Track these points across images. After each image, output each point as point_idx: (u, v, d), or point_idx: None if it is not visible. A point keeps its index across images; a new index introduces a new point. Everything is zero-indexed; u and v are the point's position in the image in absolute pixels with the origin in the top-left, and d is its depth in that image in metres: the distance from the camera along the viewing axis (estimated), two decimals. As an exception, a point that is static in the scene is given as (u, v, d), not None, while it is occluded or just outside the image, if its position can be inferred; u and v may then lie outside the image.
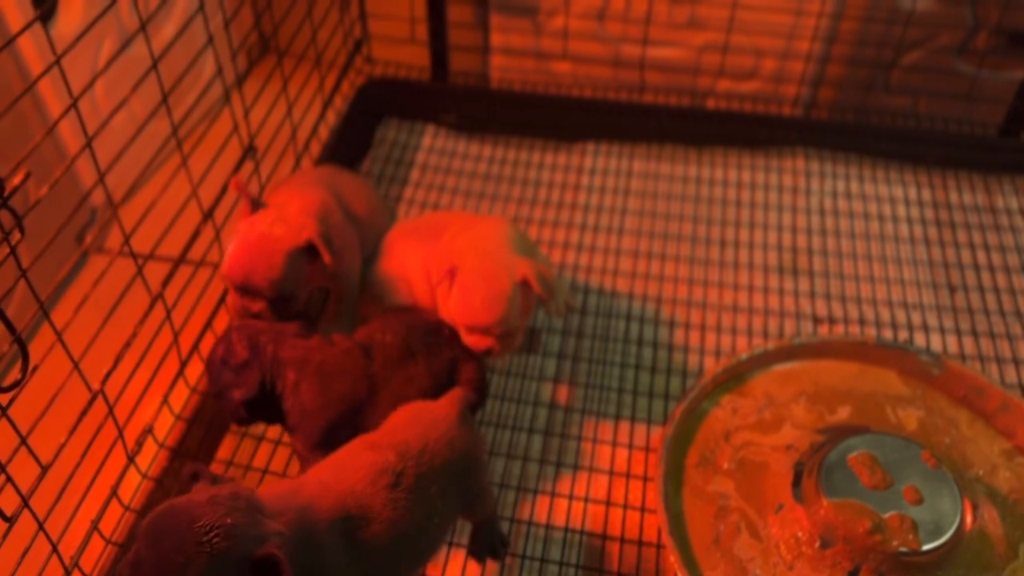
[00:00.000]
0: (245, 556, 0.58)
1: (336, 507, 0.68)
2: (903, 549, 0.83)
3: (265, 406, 0.88)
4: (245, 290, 0.92)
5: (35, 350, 0.72)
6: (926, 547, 0.83)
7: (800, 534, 0.88)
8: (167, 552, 0.57)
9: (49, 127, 0.72)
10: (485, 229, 1.01)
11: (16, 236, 0.66)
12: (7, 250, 0.66)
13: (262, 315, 0.93)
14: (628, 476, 1.00)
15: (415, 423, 0.77)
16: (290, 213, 0.94)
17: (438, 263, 0.98)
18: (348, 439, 0.78)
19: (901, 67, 1.47)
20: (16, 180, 0.64)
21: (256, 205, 0.96)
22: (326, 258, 0.92)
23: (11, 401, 0.68)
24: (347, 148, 1.39)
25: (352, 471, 0.71)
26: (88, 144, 0.74)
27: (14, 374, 0.70)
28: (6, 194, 0.63)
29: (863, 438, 0.92)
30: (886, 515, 0.85)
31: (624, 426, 1.05)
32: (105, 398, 0.81)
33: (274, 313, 0.93)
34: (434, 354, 0.91)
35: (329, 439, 0.86)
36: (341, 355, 0.89)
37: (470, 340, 0.93)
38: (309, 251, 0.93)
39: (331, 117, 1.41)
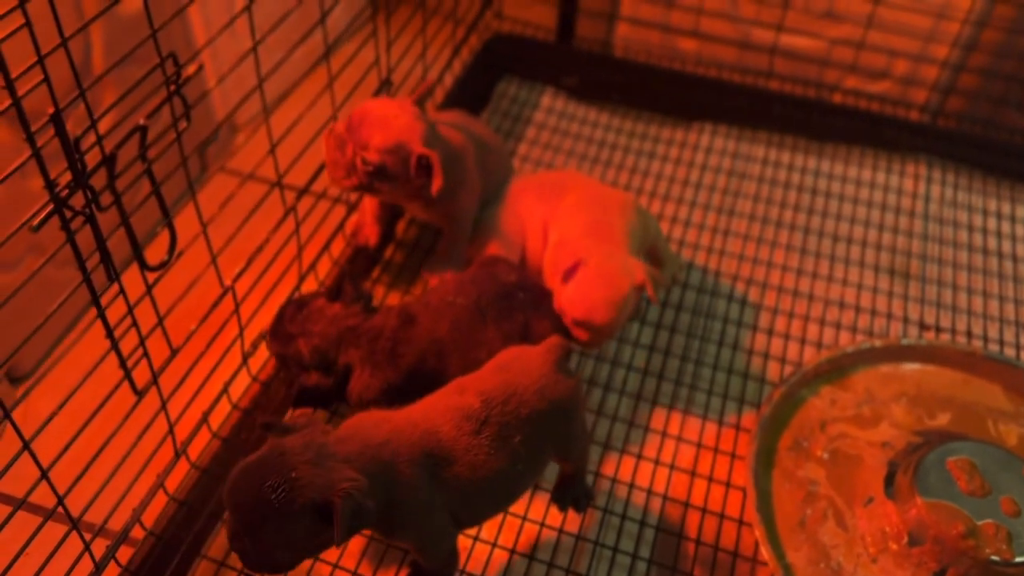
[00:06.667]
0: (310, 505, 0.62)
1: (419, 444, 0.70)
2: (995, 558, 0.82)
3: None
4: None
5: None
6: (1019, 559, 0.82)
7: (888, 529, 0.87)
8: (246, 517, 0.61)
9: (214, 35, 0.75)
10: (609, 212, 1.02)
11: (183, 124, 0.69)
12: (172, 137, 0.70)
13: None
14: (716, 451, 1.00)
15: (505, 370, 0.78)
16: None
17: (559, 240, 1.00)
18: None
19: (1040, 85, 1.42)
20: (191, 69, 0.67)
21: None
22: (437, 182, 0.92)
23: (157, 280, 0.72)
24: (468, 99, 1.40)
25: (440, 413, 0.73)
26: (254, 48, 0.77)
27: (155, 255, 0.74)
28: (181, 80, 0.66)
29: (965, 444, 0.91)
30: (981, 522, 0.84)
31: (716, 402, 1.05)
32: (234, 295, 0.85)
33: None
34: (505, 318, 0.91)
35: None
36: (397, 328, 0.88)
37: (573, 331, 0.94)
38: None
39: (456, 68, 1.43)
